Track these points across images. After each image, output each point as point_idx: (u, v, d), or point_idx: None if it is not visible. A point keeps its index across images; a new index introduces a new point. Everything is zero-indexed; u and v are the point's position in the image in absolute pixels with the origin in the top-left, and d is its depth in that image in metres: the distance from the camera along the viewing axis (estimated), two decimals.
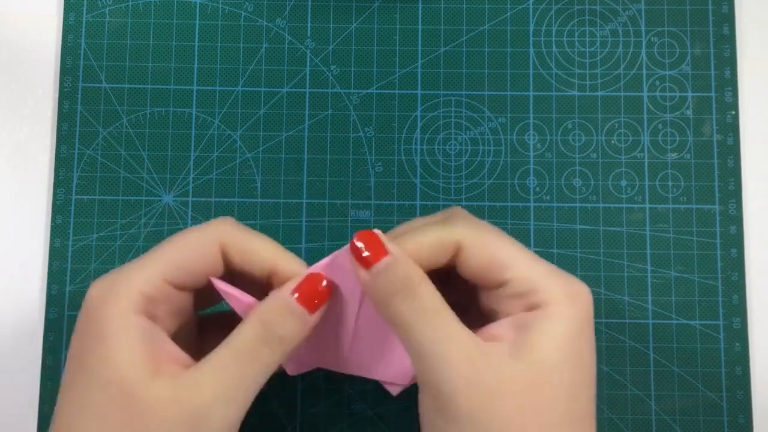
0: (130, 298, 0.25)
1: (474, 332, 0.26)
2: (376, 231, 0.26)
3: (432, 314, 0.25)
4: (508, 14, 0.40)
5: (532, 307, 0.26)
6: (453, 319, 0.25)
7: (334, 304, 0.28)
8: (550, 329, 0.25)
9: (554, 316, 0.25)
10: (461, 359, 0.24)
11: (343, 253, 0.26)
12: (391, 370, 0.28)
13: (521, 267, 0.26)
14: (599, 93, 0.39)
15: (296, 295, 0.26)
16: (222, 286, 0.27)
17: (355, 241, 0.26)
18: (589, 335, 0.27)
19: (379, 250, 0.25)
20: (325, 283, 0.27)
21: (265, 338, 0.25)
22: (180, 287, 0.27)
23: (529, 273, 0.26)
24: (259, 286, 0.28)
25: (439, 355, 0.24)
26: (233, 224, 0.28)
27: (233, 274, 0.28)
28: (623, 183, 0.39)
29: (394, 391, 0.29)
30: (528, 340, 0.25)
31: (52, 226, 0.38)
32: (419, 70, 0.39)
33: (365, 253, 0.25)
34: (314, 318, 0.26)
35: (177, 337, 0.27)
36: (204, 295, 0.29)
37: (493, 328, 0.26)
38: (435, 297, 0.26)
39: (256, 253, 0.27)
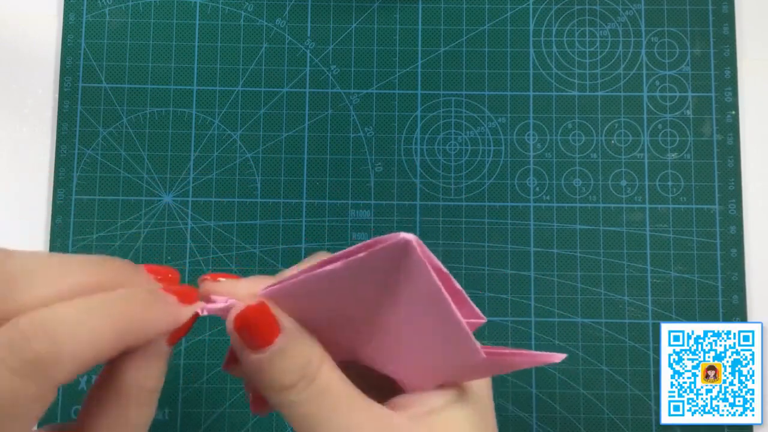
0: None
1: (383, 401, 0.23)
2: (262, 301, 0.21)
3: (337, 400, 0.21)
4: (508, 14, 0.40)
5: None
6: (359, 398, 0.21)
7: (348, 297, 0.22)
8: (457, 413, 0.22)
9: (462, 399, 0.23)
10: None
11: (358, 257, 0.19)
12: (411, 372, 0.24)
13: None
14: (599, 93, 0.39)
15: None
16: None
17: (234, 325, 0.21)
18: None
19: (270, 328, 0.21)
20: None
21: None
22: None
23: None
24: None
25: None
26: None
27: None
28: (623, 183, 0.39)
29: (407, 389, 0.25)
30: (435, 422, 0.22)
31: (52, 226, 0.38)
32: (419, 70, 0.39)
33: (250, 335, 0.21)
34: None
35: None
36: None
37: (402, 399, 0.23)
38: (337, 377, 0.21)
39: None
